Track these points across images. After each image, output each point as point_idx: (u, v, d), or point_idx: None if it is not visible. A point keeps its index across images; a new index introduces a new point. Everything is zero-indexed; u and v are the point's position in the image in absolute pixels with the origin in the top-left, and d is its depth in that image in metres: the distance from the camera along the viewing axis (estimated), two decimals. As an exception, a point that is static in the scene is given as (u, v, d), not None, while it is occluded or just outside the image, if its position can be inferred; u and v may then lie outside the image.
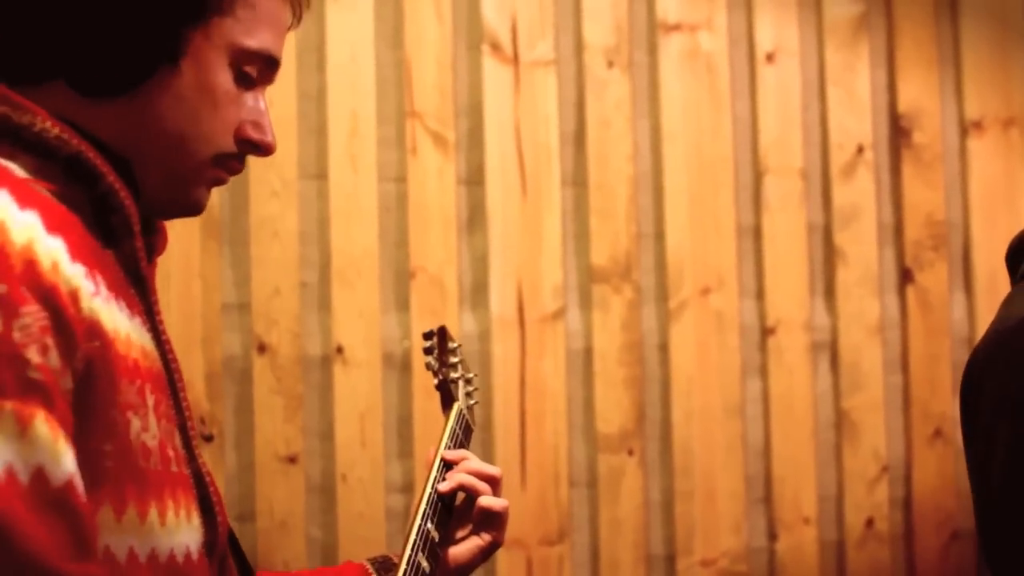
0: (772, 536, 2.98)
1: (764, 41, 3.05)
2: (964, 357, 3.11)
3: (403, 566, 1.42)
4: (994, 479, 1.44)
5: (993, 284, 3.14)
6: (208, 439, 2.61)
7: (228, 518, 1.29)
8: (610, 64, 2.93)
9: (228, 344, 2.66)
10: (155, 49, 1.16)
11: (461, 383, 1.77)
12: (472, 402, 1.78)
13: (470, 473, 1.56)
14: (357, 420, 2.71)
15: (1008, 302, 1.55)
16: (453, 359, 1.78)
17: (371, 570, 1.56)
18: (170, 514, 1.12)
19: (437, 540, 1.48)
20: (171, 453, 1.14)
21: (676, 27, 2.98)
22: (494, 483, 1.56)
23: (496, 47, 2.85)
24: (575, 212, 2.89)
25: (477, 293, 2.82)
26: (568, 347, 2.86)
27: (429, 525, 1.48)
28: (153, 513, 1.09)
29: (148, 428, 1.10)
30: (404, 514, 2.72)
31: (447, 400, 1.72)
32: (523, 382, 2.81)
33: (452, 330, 2.76)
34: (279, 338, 2.68)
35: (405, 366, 2.75)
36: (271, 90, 1.27)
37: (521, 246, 2.84)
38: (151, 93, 1.17)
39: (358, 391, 2.71)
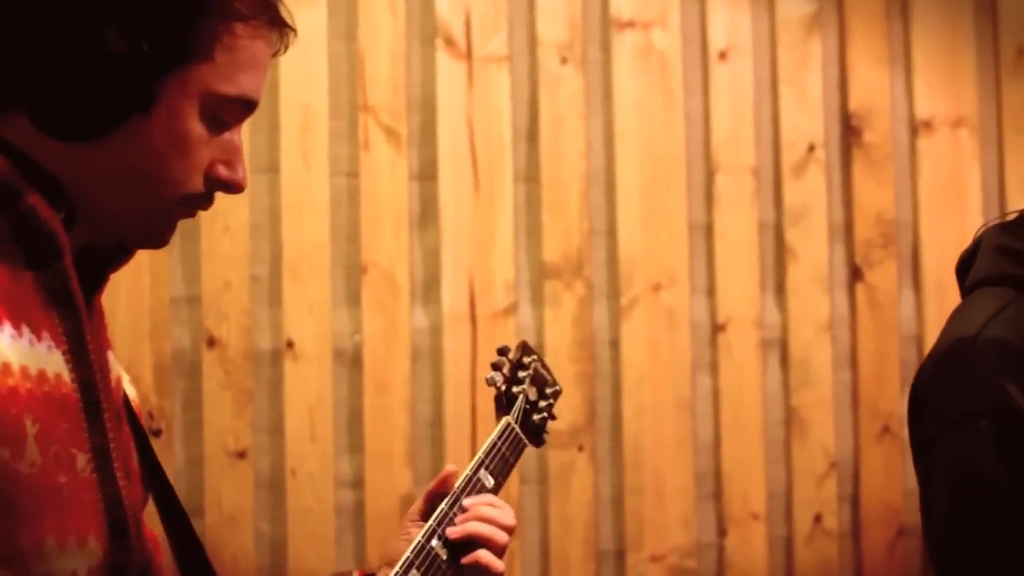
0: (721, 532, 2.99)
1: (717, 39, 3.06)
2: (912, 355, 3.14)
3: None
4: (936, 493, 1.46)
5: (941, 283, 3.16)
6: (156, 434, 2.59)
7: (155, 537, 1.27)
8: (563, 60, 2.94)
9: (177, 338, 2.64)
10: (128, 99, 1.12)
11: (522, 398, 1.72)
12: (540, 416, 1.74)
13: (484, 520, 1.53)
14: (307, 415, 2.70)
15: (953, 317, 1.56)
16: (523, 373, 1.74)
17: None
18: (50, 540, 1.10)
19: None
20: (63, 479, 1.11)
21: (630, 24, 2.98)
22: (508, 531, 1.55)
23: (450, 42, 2.84)
24: (527, 208, 2.89)
25: (429, 288, 2.81)
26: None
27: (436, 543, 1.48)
28: (26, 541, 1.08)
29: (23, 456, 1.07)
30: (354, 509, 2.71)
31: (500, 413, 1.70)
32: (474, 378, 2.80)
33: (403, 325, 2.77)
34: (229, 332, 2.67)
35: (356, 361, 2.74)
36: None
37: (473, 242, 2.83)
38: (118, 139, 1.14)
39: (308, 386, 2.70)
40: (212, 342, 2.65)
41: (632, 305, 2.94)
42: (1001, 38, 3.30)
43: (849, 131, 3.17)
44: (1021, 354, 1.42)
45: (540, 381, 1.76)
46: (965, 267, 1.62)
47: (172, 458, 2.60)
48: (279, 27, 1.23)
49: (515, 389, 1.71)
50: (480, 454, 1.62)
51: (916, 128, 3.22)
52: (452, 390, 2.79)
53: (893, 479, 3.10)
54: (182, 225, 1.29)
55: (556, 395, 1.80)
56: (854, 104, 3.17)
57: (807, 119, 3.12)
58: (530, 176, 2.90)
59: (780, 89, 3.11)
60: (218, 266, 2.66)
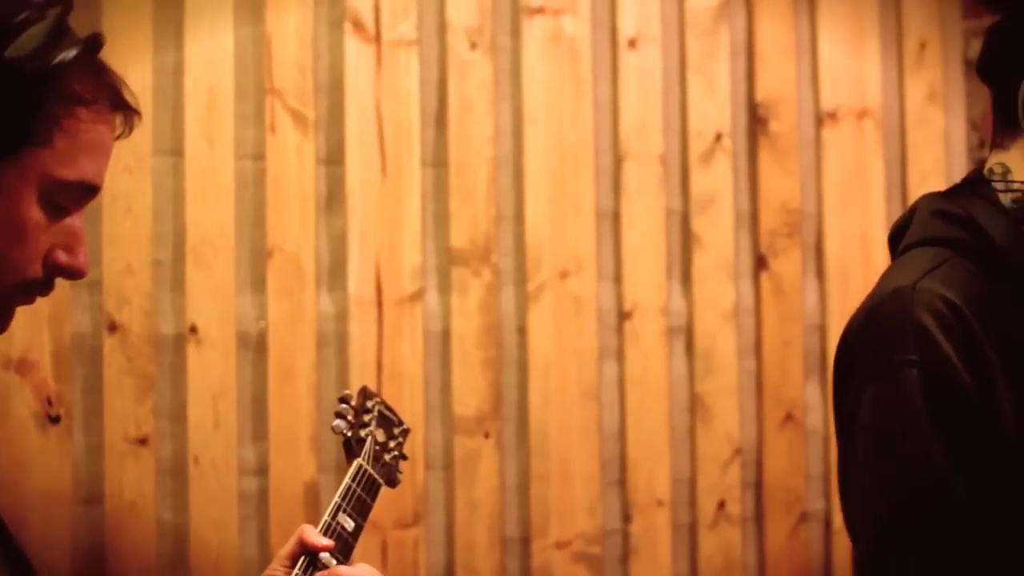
0: (626, 518, 3.01)
1: (626, 27, 3.06)
2: (816, 343, 3.19)
3: None
4: (859, 441, 1.48)
5: (844, 272, 3.21)
6: (55, 420, 2.54)
7: None
8: (473, 45, 2.92)
9: (77, 322, 2.59)
10: None
11: (371, 440, 1.75)
12: (392, 456, 1.76)
13: None
14: (210, 401, 2.66)
15: (887, 273, 1.59)
16: (367, 417, 1.77)
17: None
18: None
19: None
20: None
21: (539, 10, 2.98)
22: None
23: (358, 25, 2.82)
24: (435, 193, 2.88)
25: (335, 274, 2.79)
26: (426, 329, 2.85)
27: None
28: None
29: None
30: (258, 497, 2.68)
31: (349, 456, 1.72)
32: (380, 364, 2.79)
33: (308, 310, 2.75)
34: (130, 317, 2.62)
35: (260, 347, 2.71)
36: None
37: (380, 227, 2.81)
38: None
39: (212, 372, 2.67)
40: (113, 327, 2.61)
41: (539, 292, 2.94)
42: (905, 32, 3.35)
43: (756, 121, 3.19)
44: (955, 307, 1.46)
45: (386, 422, 1.79)
46: (899, 234, 1.64)
47: (71, 445, 2.56)
48: (122, 110, 1.20)
49: (362, 432, 1.75)
50: (336, 499, 1.64)
51: (821, 119, 3.26)
52: (357, 376, 2.77)
53: (796, 466, 3.14)
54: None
55: (404, 434, 1.83)
56: (761, 94, 3.20)
57: (715, 108, 3.15)
58: (438, 161, 2.89)
59: (688, 78, 3.13)
60: (119, 249, 2.62)
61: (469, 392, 2.87)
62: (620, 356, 3.02)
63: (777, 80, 3.21)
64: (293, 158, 2.76)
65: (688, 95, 3.12)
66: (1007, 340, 1.46)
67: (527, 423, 2.91)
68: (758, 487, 3.12)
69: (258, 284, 2.72)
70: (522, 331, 2.93)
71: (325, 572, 1.54)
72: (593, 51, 3.03)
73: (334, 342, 2.77)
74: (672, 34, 3.11)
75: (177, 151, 2.68)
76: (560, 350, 2.95)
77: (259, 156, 2.74)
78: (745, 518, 3.11)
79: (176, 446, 2.65)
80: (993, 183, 1.58)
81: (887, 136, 3.32)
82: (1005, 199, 1.57)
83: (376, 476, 1.71)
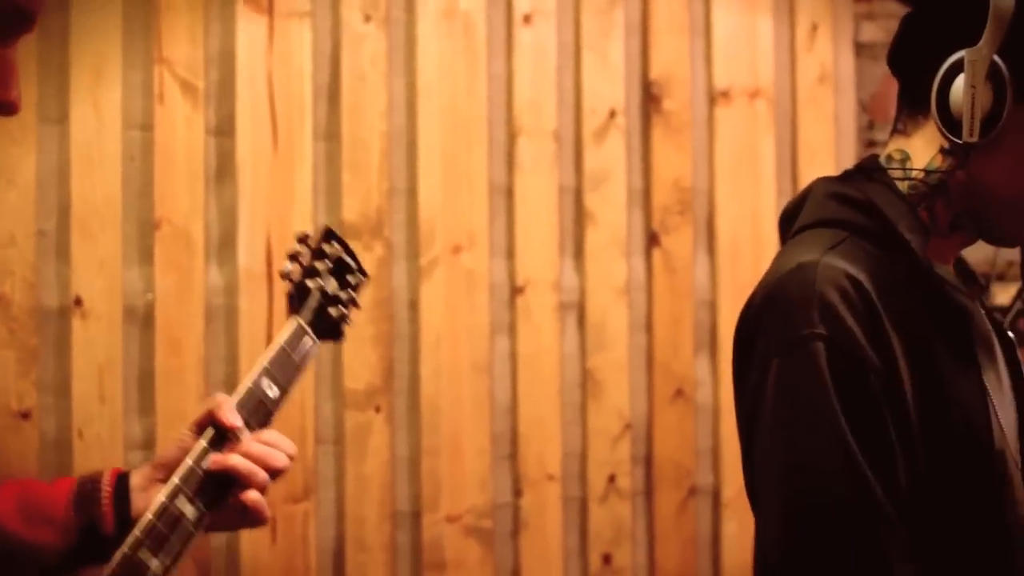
0: (517, 492, 3.02)
1: (522, 3, 3.06)
2: (706, 319, 3.22)
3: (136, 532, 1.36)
4: (765, 416, 1.49)
5: (735, 249, 3.24)
6: (-67, 393, 2.49)
7: None
8: (367, 18, 2.90)
9: (-42, 294, 2.54)
10: None
11: (318, 292, 1.59)
12: (339, 310, 1.60)
13: (251, 457, 1.43)
14: (96, 375, 2.62)
15: (784, 253, 1.60)
16: (321, 264, 1.61)
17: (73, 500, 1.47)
18: None
19: (189, 518, 1.39)
20: None
21: (434, -16, 2.97)
22: (275, 473, 1.44)
23: (249, -5, 2.78)
24: (327, 166, 2.86)
25: (224, 246, 2.76)
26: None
27: (180, 502, 1.39)
28: None
29: None
30: (144, 471, 2.65)
31: (290, 311, 1.56)
32: (270, 338, 2.73)
33: (197, 283, 2.71)
34: (13, 289, 2.57)
35: (148, 320, 2.67)
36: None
37: (271, 199, 2.79)
38: None
39: (97, 345, 2.63)
40: (-5, 298, 2.56)
41: (431, 266, 2.93)
42: (797, 14, 3.39)
43: (649, 99, 3.21)
44: (858, 284, 1.48)
45: (342, 269, 1.64)
46: (791, 216, 1.66)
47: (-49, 418, 2.51)
48: None
49: (309, 283, 1.59)
50: (264, 361, 1.50)
51: (714, 97, 3.28)
52: (247, 350, 2.74)
53: (685, 440, 3.17)
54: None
55: (359, 285, 1.67)
56: (655, 72, 3.21)
57: (609, 85, 3.16)
58: (330, 134, 2.87)
59: (583, 55, 3.13)
60: (2, 220, 2.56)
61: (360, 366, 2.86)
62: (512, 331, 3.02)
63: (671, 58, 3.23)
64: (182, 129, 2.72)
65: (582, 72, 3.13)
66: (904, 321, 1.49)
67: (418, 397, 2.91)
68: (648, 461, 3.15)
69: (145, 256, 2.68)
70: (414, 306, 2.92)
71: (237, 447, 1.44)
72: (488, 26, 3.03)
73: (223, 316, 2.74)
74: (567, 11, 3.12)
75: (62, 119, 2.63)
76: (452, 325, 2.95)
77: (147, 126, 2.70)
78: (635, 492, 3.14)
79: (60, 420, 2.61)
80: (890, 169, 1.61)
81: (778, 115, 3.35)
82: (902, 186, 1.60)
83: (313, 338, 1.56)
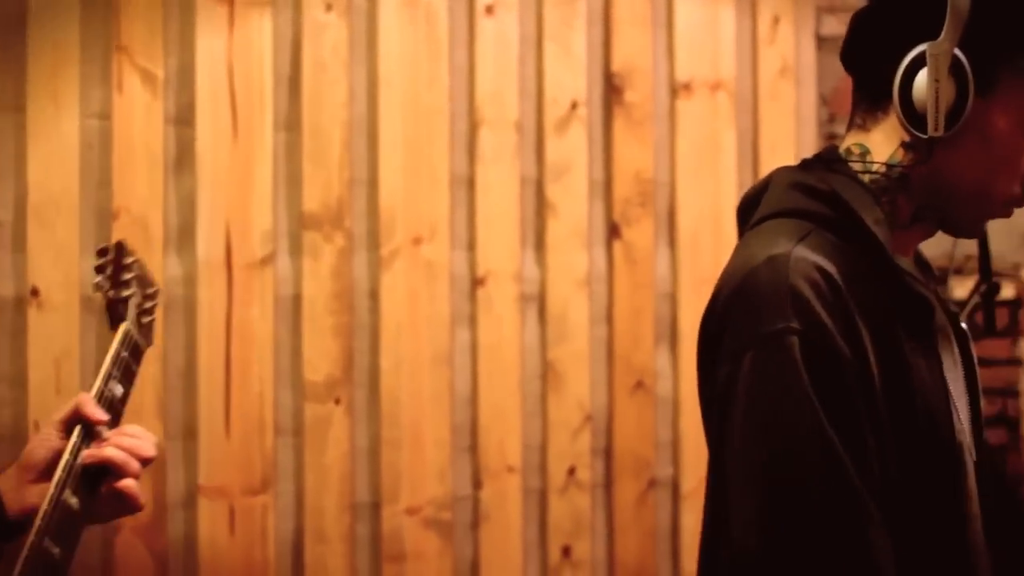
0: (477, 484, 3.02)
1: (483, -7, 3.05)
2: (667, 311, 3.22)
3: (31, 538, 1.40)
4: (739, 399, 1.48)
5: (696, 242, 3.25)
6: None
7: None
8: (328, 7, 2.89)
9: (-88, 283, 2.51)
10: None
11: (133, 302, 1.72)
12: (148, 319, 1.74)
13: (122, 448, 1.53)
14: (52, 365, 2.60)
15: (746, 244, 1.59)
16: (127, 275, 1.73)
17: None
18: None
19: (77, 509, 1.47)
20: None
21: (396, -27, 2.95)
22: (145, 462, 1.55)
23: (209, -17, 2.76)
24: (287, 156, 2.85)
25: (183, 236, 2.74)
26: (276, 293, 2.82)
27: (67, 495, 1.46)
28: None
29: None
30: (101, 462, 2.63)
31: (114, 321, 1.68)
32: (229, 328, 2.75)
33: (155, 273, 2.69)
34: (-32, 278, 2.55)
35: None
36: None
37: (230, 189, 2.77)
38: None
39: (54, 335, 2.61)
40: (-50, 288, 2.53)
41: (392, 257, 2.92)
42: (759, 7, 3.39)
43: (611, 90, 3.21)
44: (829, 276, 1.48)
45: (142, 283, 1.76)
46: (749, 205, 1.66)
47: (-95, 409, 2.48)
48: None
49: (124, 293, 1.72)
50: (106, 365, 1.62)
51: (676, 90, 3.28)
52: (206, 340, 2.73)
53: (645, 432, 3.18)
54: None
55: (156, 295, 1.80)
56: (617, 64, 3.21)
57: (571, 77, 3.15)
58: (291, 124, 2.85)
59: (545, 46, 3.13)
60: (-43, 208, 2.54)
61: (320, 357, 2.85)
62: (473, 322, 3.02)
63: (633, 50, 3.23)
64: (141, 117, 2.70)
65: (544, 63, 3.12)
66: (871, 312, 1.50)
67: (378, 389, 2.90)
68: (608, 453, 3.16)
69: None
70: (374, 296, 2.91)
71: (106, 441, 1.53)
72: (450, 16, 3.02)
73: (182, 306, 2.72)
74: (529, 1, 3.11)
75: (19, 108, 2.61)
76: (413, 316, 2.94)
77: (105, 115, 2.68)
78: (595, 484, 3.14)
79: (16, 411, 2.59)
80: (850, 163, 1.61)
81: (740, 108, 3.36)
82: (863, 179, 1.61)
83: (140, 341, 1.69)
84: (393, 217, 2.92)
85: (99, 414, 1.55)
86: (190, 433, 2.73)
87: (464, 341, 3.01)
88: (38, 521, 1.43)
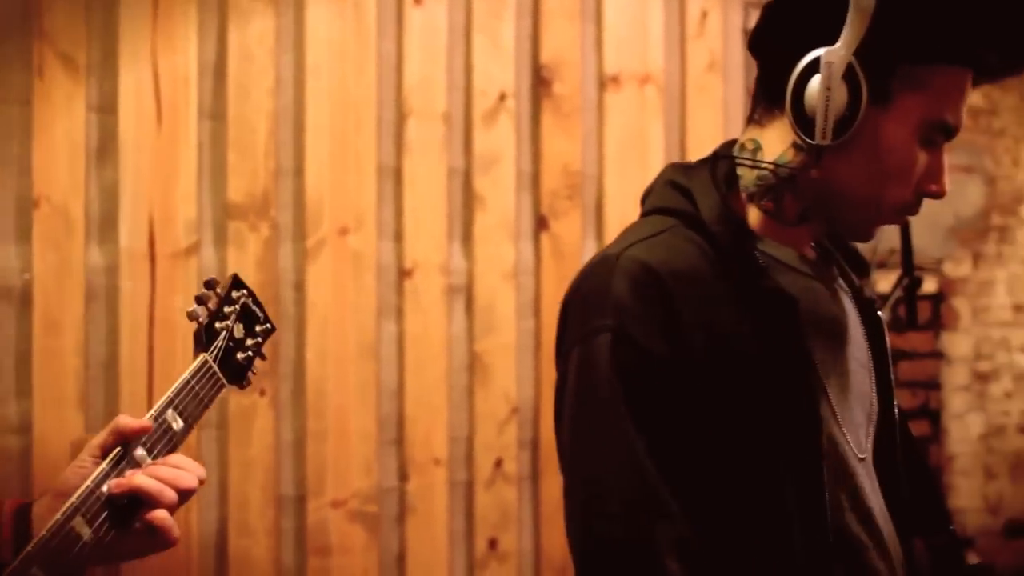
0: (403, 476, 3.00)
1: (412, -17, 3.04)
2: (594, 304, 3.23)
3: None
4: (567, 399, 1.53)
5: (623, 234, 3.25)
6: None
7: None
8: (255, -5, 2.86)
9: None
10: None
11: (225, 334, 1.60)
12: (245, 355, 1.63)
13: (159, 479, 1.39)
14: (-31, 356, 2.56)
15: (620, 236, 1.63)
16: (229, 308, 1.63)
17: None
18: None
19: (86, 540, 1.34)
20: None
21: (323, -38, 2.93)
22: (184, 494, 1.41)
23: (133, -31, 2.72)
24: (212, 145, 2.81)
25: (105, 226, 2.70)
26: (201, 284, 2.78)
27: (78, 523, 1.33)
28: None
29: None
30: (20, 456, 2.58)
31: (197, 349, 1.58)
32: (152, 319, 2.71)
33: (76, 263, 2.65)
34: None
35: (25, 299, 2.60)
36: None
37: (154, 178, 2.73)
38: None
39: (-29, 325, 2.56)
40: None
41: (318, 248, 2.90)
42: (687, 1, 3.41)
43: (540, 82, 3.21)
44: (654, 275, 1.50)
45: (249, 318, 1.66)
46: (646, 199, 1.69)
47: None
48: None
49: (218, 325, 1.61)
50: (170, 393, 1.49)
51: (604, 83, 3.29)
52: (128, 331, 2.69)
53: (571, 424, 3.18)
54: None
55: (266, 333, 1.70)
56: (545, 56, 3.21)
57: (499, 68, 3.15)
58: (216, 113, 2.82)
59: (474, 37, 3.12)
60: None
61: (245, 349, 2.82)
62: (399, 314, 3.00)
63: (562, 43, 3.23)
64: (62, 105, 2.66)
65: (473, 54, 3.11)
66: (712, 311, 1.51)
67: (304, 381, 2.88)
68: (535, 446, 3.16)
69: (23, 235, 2.61)
70: (300, 287, 2.89)
71: (141, 470, 1.40)
72: (378, 6, 3.00)
73: (104, 296, 2.68)
74: (458, -8, 3.10)
75: (-64, 93, 2.56)
76: (339, 307, 2.92)
77: (25, 101, 2.62)
78: (521, 476, 3.14)
79: (-68, 402, 2.54)
80: (741, 158, 1.61)
81: (668, 102, 3.37)
82: (749, 176, 1.60)
83: (220, 375, 1.57)
84: (319, 208, 2.90)
85: (137, 424, 1.42)
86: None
87: (390, 333, 2.99)
88: (28, 547, 1.32)
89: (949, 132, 1.56)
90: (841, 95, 1.50)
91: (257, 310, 1.70)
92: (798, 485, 1.51)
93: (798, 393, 1.53)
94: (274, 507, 2.85)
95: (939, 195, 1.57)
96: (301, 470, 2.88)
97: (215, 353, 1.59)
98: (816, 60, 1.51)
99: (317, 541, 2.88)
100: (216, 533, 2.80)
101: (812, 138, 1.52)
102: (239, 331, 1.64)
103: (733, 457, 1.49)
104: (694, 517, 1.47)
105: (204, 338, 1.60)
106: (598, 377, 1.48)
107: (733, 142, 1.66)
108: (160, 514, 1.39)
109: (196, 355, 1.58)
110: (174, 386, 1.51)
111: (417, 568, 3.01)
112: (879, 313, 1.71)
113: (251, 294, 1.70)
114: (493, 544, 3.09)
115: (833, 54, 1.50)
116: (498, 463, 3.10)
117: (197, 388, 1.53)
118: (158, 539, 1.40)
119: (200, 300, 1.63)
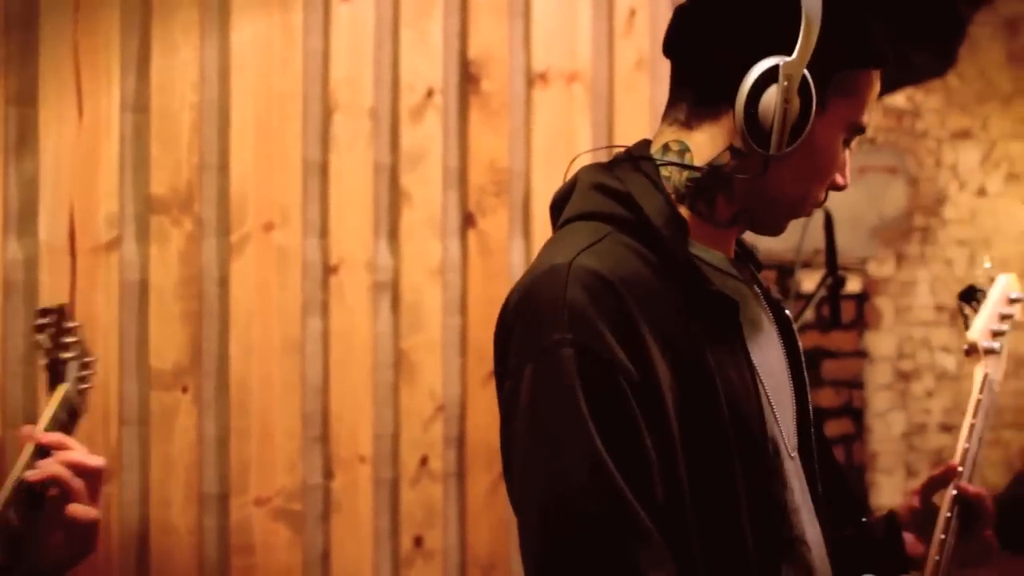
0: (328, 474, 2.98)
1: (339, -23, 3.02)
2: (521, 301, 3.23)
3: None
4: (520, 418, 1.49)
5: (550, 232, 3.25)
6: None
7: None
8: (179, -13, 2.82)
9: None
10: None
11: (74, 365, 1.67)
12: (84, 386, 1.69)
13: (67, 464, 1.49)
14: None
15: (546, 248, 1.60)
16: (69, 339, 1.69)
17: None
18: None
19: (17, 530, 1.43)
20: None
21: (249, -46, 2.90)
22: (94, 477, 1.50)
23: (54, -42, 2.68)
24: (134, 139, 2.77)
25: (24, 219, 2.65)
26: (122, 279, 2.75)
27: (11, 514, 1.42)
28: None
29: None
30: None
31: (54, 380, 1.65)
32: (72, 314, 2.67)
33: (-6, 257, 2.61)
34: None
35: (-59, 294, 2.56)
36: None
37: (74, 172, 2.69)
38: None
39: None
40: None
41: (243, 243, 2.87)
42: (616, -1, 3.42)
43: (467, 79, 3.20)
44: (610, 285, 1.47)
45: (83, 351, 1.73)
46: (560, 204, 1.65)
47: None
48: None
49: (64, 355, 1.68)
50: (44, 423, 1.58)
51: (532, 80, 3.29)
52: (47, 327, 2.65)
53: (497, 421, 3.16)
54: None
55: (92, 364, 1.76)
56: (473, 52, 3.20)
57: (427, 64, 3.13)
58: (138, 106, 2.78)
59: (401, 32, 3.10)
60: None
61: (167, 345, 2.79)
62: (325, 310, 2.98)
63: (490, 39, 3.23)
64: (-20, 96, 2.61)
65: (400, 49, 3.10)
66: (663, 318, 1.49)
67: (227, 377, 2.85)
68: (460, 443, 3.15)
69: (-61, 228, 2.57)
70: (224, 283, 2.86)
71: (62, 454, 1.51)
72: (305, 0, 2.98)
73: (22, 291, 2.64)
74: (386, -13, 3.09)
75: None
76: (263, 303, 2.89)
77: (-59, 92, 2.58)
78: (447, 474, 3.13)
79: None
80: (664, 159, 1.59)
81: (595, 100, 3.38)
82: (678, 177, 1.59)
83: (78, 405, 1.66)
84: (244, 203, 2.87)
85: (46, 437, 1.52)
86: (31, 422, 2.64)
87: (315, 329, 2.97)
88: None
89: (863, 132, 1.61)
90: (795, 106, 1.52)
91: (83, 340, 1.75)
92: (750, 486, 1.51)
93: (747, 395, 1.54)
94: (196, 505, 2.82)
95: (844, 187, 1.62)
96: (224, 467, 2.85)
97: (72, 383, 1.67)
98: (771, 71, 1.51)
99: (240, 540, 2.85)
100: (137, 532, 2.76)
101: (765, 148, 1.53)
102: (78, 363, 1.70)
103: (689, 466, 1.48)
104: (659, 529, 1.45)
105: (59, 368, 1.67)
106: (561, 394, 1.44)
107: (647, 142, 1.65)
108: (73, 507, 1.48)
109: (52, 386, 1.66)
110: (44, 420, 1.59)
111: (342, 566, 2.99)
112: (787, 312, 1.72)
113: (77, 325, 1.75)
114: (419, 542, 3.08)
115: (791, 66, 1.50)
116: (423, 460, 3.09)
117: (64, 418, 1.62)
118: (76, 533, 1.49)
119: (40, 328, 1.69)
